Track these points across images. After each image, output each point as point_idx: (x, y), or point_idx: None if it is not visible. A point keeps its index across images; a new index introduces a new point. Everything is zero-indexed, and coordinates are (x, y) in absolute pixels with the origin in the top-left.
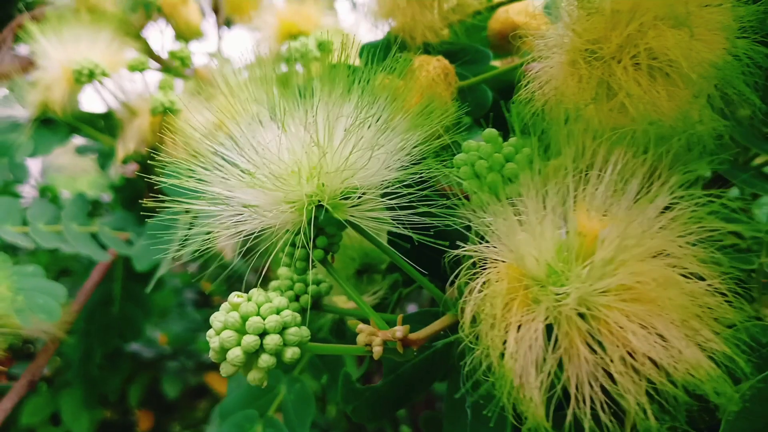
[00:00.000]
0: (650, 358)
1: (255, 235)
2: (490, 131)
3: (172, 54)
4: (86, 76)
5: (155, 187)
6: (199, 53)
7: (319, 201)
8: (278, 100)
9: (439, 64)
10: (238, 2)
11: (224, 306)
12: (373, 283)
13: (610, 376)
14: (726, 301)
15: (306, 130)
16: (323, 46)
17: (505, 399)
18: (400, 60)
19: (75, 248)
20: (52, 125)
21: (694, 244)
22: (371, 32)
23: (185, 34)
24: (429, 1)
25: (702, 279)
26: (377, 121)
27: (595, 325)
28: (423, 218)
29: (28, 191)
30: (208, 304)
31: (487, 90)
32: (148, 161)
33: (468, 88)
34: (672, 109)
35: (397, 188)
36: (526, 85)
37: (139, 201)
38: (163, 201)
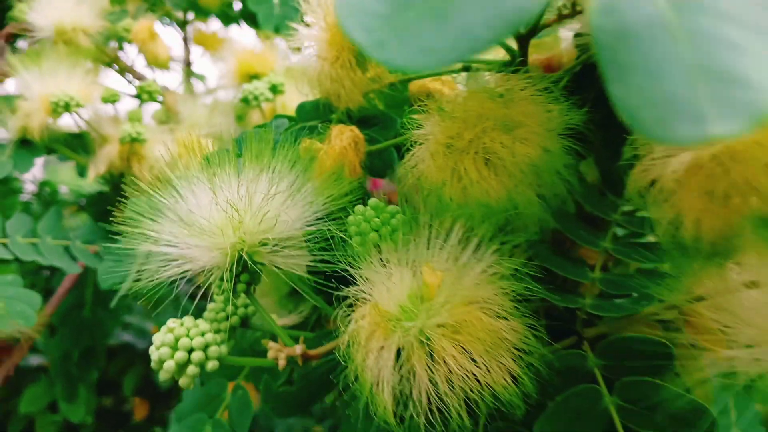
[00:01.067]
0: (467, 374)
1: (192, 271)
2: (375, 200)
3: (140, 88)
4: (62, 107)
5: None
6: (168, 81)
7: (241, 249)
8: (213, 171)
9: (351, 134)
10: (204, 38)
11: (163, 329)
12: (302, 303)
13: (438, 385)
14: (525, 335)
15: (231, 196)
16: (275, 89)
17: (366, 400)
18: (320, 129)
19: (50, 261)
20: (30, 146)
21: (502, 295)
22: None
23: (154, 64)
24: (350, 73)
25: (506, 319)
26: (292, 185)
27: (430, 350)
28: (319, 263)
29: (28, 186)
30: (204, 296)
31: (393, 152)
32: (119, 182)
33: (377, 151)
34: (500, 193)
35: (305, 238)
36: (407, 161)
37: (109, 216)
38: (125, 228)
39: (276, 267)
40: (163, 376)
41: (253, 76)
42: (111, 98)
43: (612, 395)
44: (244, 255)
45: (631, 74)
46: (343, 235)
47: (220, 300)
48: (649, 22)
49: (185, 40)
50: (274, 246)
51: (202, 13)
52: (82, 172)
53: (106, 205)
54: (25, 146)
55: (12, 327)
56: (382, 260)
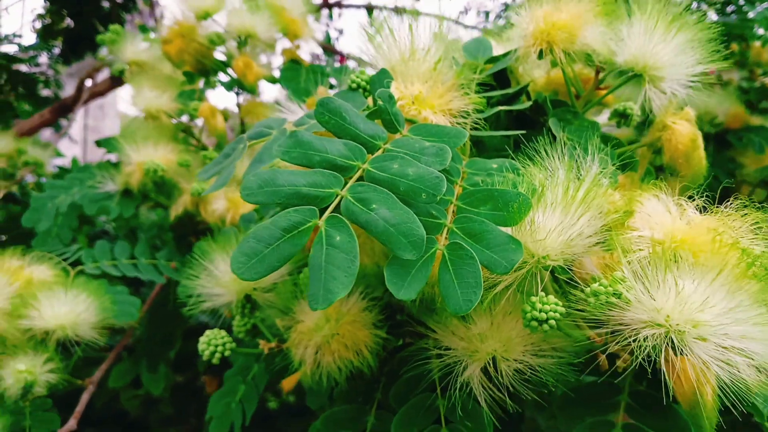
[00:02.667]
0: (345, 355)
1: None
2: None
3: (204, 156)
4: (152, 171)
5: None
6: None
7: (247, 293)
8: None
9: None
10: (252, 106)
11: (204, 335)
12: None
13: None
14: (375, 336)
15: None
16: None
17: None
18: None
19: (145, 276)
20: (131, 195)
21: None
22: None
23: (214, 134)
24: None
25: (367, 329)
26: None
27: (329, 344)
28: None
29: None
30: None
31: None
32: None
33: None
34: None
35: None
36: None
37: (185, 239)
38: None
39: (267, 301)
40: (205, 357)
41: None
42: (184, 163)
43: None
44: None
45: None
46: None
47: (237, 318)
48: None
49: (238, 105)
50: (264, 291)
51: (247, 90)
52: (165, 213)
53: (183, 231)
54: (127, 195)
55: (122, 321)
56: None
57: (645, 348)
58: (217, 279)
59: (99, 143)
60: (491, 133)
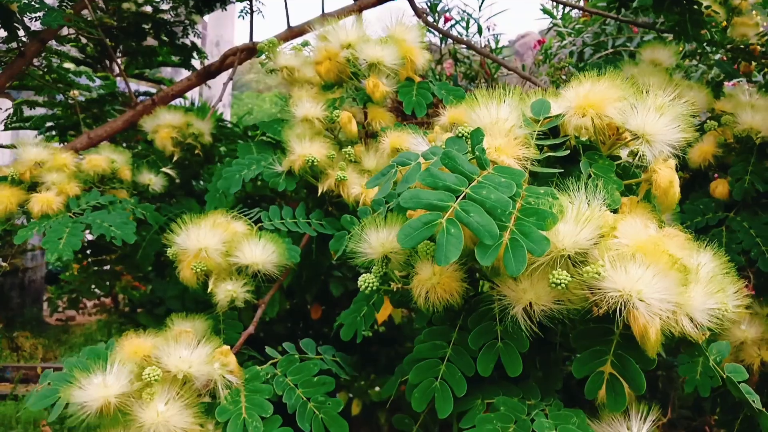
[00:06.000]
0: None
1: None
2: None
3: (341, 153)
4: (309, 161)
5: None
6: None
7: (386, 254)
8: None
9: None
10: (377, 116)
11: (361, 276)
12: None
13: None
14: None
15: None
16: None
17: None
18: None
19: (302, 230)
20: (293, 175)
21: None
22: None
23: (350, 136)
24: None
25: None
26: None
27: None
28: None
29: None
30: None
31: None
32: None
33: None
34: None
35: None
36: None
37: (324, 206)
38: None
39: (397, 259)
40: (362, 289)
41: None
42: (331, 156)
43: None
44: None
45: None
46: None
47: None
48: None
49: (365, 113)
50: (395, 254)
51: (374, 103)
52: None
53: (323, 200)
54: (290, 175)
55: (289, 261)
56: None
57: (613, 304)
58: (369, 243)
59: (260, 126)
60: (542, 170)
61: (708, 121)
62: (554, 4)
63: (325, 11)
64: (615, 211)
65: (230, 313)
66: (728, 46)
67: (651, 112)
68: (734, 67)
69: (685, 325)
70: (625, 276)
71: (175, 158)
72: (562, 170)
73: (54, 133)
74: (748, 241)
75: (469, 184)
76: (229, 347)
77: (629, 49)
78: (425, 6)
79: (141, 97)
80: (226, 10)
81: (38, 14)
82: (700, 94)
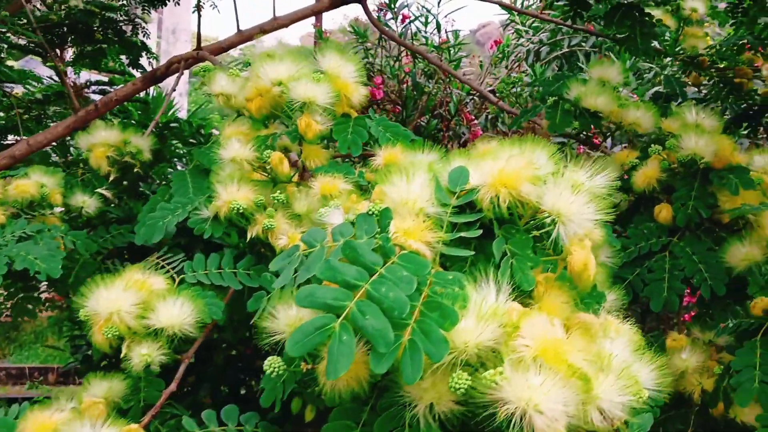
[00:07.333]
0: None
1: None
2: None
3: (273, 197)
4: (237, 212)
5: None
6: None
7: None
8: None
9: None
10: (312, 154)
11: (267, 360)
12: None
13: None
14: None
15: None
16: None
17: None
18: None
19: (227, 283)
20: (219, 221)
21: None
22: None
23: (281, 178)
24: None
25: None
26: None
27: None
28: None
29: None
30: None
31: None
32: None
33: None
34: None
35: None
36: None
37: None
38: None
39: None
40: (267, 371)
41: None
42: (260, 203)
43: None
44: None
45: None
46: None
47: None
48: None
49: (299, 154)
50: None
51: (307, 142)
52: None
53: (256, 247)
54: (216, 221)
55: (207, 319)
56: None
57: (508, 414)
58: (278, 321)
59: (195, 154)
60: (453, 252)
61: (652, 145)
62: (512, 0)
63: (277, 15)
64: (529, 293)
65: (151, 371)
66: (679, 58)
67: (566, 191)
68: (684, 76)
69: (595, 420)
70: (523, 385)
71: (111, 178)
72: (473, 253)
73: None
74: (690, 267)
75: (370, 278)
76: (137, 425)
77: (585, 48)
78: (383, 2)
79: (93, 87)
80: (179, 5)
81: None
82: (647, 114)
